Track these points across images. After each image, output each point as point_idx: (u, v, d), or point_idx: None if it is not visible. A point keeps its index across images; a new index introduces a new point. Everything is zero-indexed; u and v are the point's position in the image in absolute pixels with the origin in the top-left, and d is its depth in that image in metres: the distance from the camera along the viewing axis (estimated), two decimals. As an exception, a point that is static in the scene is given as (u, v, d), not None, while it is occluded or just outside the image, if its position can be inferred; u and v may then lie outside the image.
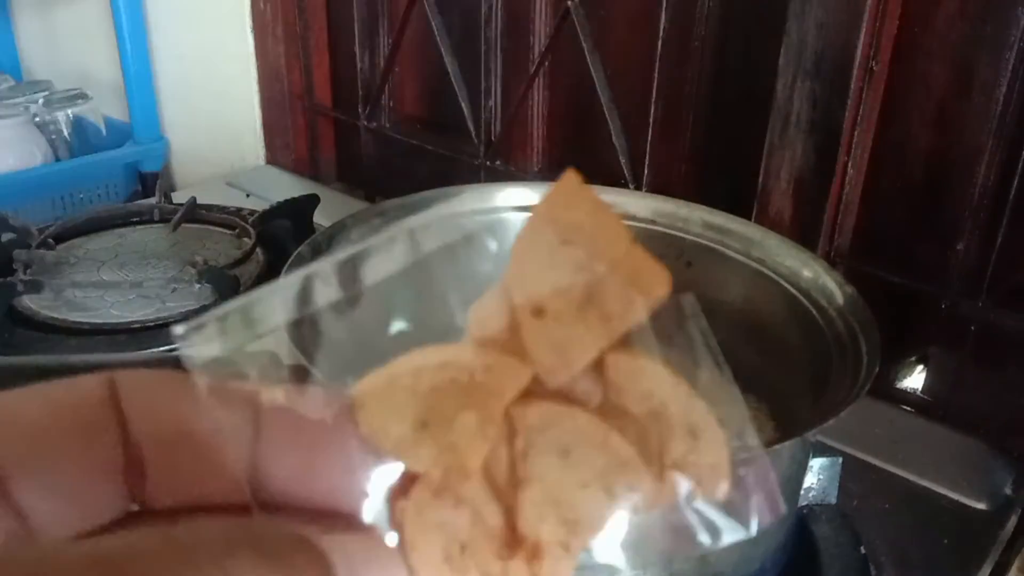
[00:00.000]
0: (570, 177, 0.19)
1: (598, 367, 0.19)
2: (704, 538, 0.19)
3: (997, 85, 0.60)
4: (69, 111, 1.21)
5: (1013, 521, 0.59)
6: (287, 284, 0.18)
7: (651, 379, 0.19)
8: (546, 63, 0.85)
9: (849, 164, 0.67)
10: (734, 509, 0.20)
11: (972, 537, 0.57)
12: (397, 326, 0.20)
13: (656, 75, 0.77)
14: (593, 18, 0.80)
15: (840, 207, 0.69)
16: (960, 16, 0.61)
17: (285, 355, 0.19)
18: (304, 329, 0.19)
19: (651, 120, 0.79)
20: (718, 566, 0.45)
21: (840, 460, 0.51)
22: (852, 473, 0.59)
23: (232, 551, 0.16)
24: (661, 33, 0.76)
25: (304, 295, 0.18)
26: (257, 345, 0.18)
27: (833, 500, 0.51)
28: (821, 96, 0.65)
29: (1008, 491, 0.60)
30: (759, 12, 0.70)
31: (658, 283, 0.18)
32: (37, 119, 1.19)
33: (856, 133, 0.66)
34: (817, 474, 0.51)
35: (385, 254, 0.19)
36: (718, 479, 0.19)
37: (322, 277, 0.18)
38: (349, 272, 0.18)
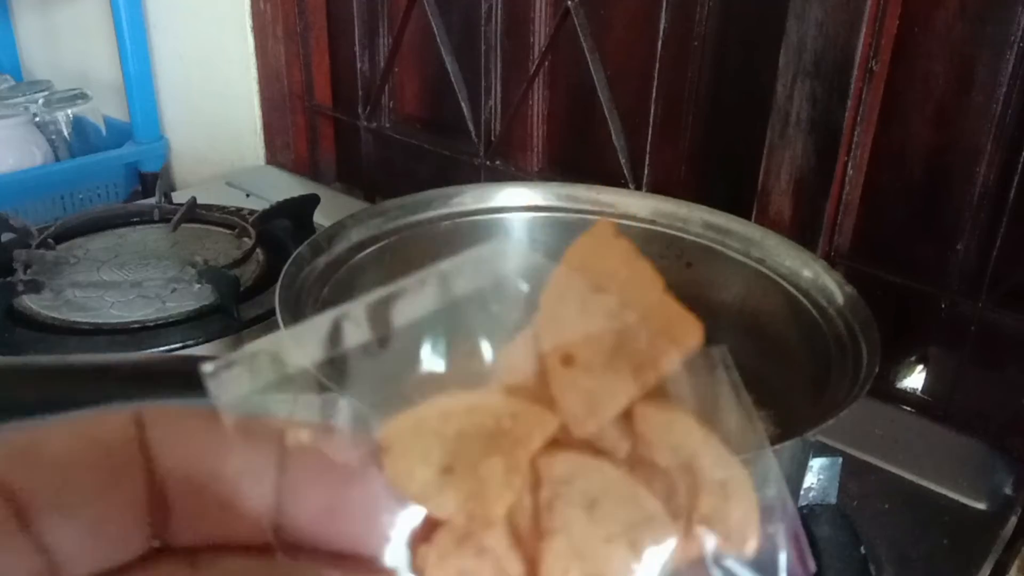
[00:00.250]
0: (603, 225, 0.19)
1: (627, 418, 0.18)
2: None
3: (997, 85, 0.60)
4: (69, 111, 1.21)
5: (1013, 521, 0.59)
6: (317, 324, 0.18)
7: (681, 432, 0.18)
8: (546, 63, 0.85)
9: (849, 164, 0.67)
10: (763, 567, 0.19)
11: (972, 537, 0.57)
12: (426, 369, 0.20)
13: (656, 75, 0.77)
14: (593, 18, 0.80)
15: (840, 207, 0.69)
16: (960, 16, 0.61)
17: (316, 384, 0.19)
18: (333, 370, 0.18)
19: (651, 120, 0.79)
20: (718, 566, 0.45)
21: (840, 460, 0.51)
22: (852, 473, 0.59)
23: None
24: (661, 33, 0.76)
25: (334, 336, 0.18)
26: (289, 376, 0.18)
27: (833, 500, 0.51)
28: (821, 96, 0.65)
29: (1008, 491, 0.60)
30: (759, 12, 0.70)
31: (690, 333, 0.18)
32: (37, 119, 1.19)
33: (856, 133, 0.66)
34: (817, 474, 0.51)
35: (416, 296, 0.19)
36: (747, 536, 0.19)
37: (352, 318, 0.18)
38: (379, 314, 0.18)
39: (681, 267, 0.62)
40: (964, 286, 0.65)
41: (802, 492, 0.50)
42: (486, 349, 0.19)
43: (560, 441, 0.18)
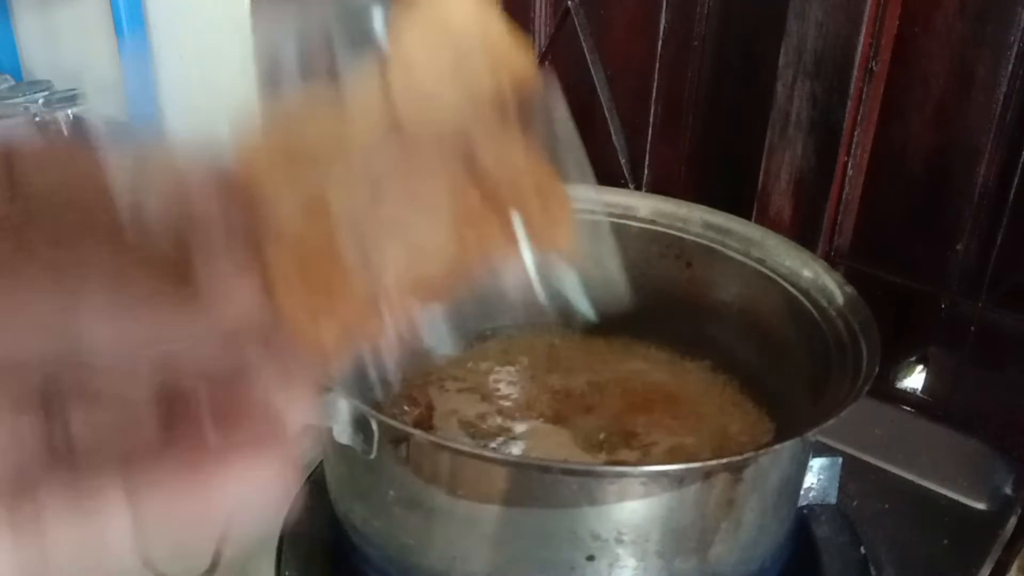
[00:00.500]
0: None
1: (464, 136, 0.21)
2: (540, 290, 0.22)
3: (997, 85, 0.60)
4: (69, 111, 1.21)
5: (1013, 521, 0.59)
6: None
7: (512, 150, 0.21)
8: (546, 63, 0.85)
9: (849, 164, 0.67)
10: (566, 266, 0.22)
11: (972, 537, 0.57)
12: (281, 89, 0.21)
13: (656, 75, 0.77)
14: (593, 18, 0.80)
15: (840, 207, 0.69)
16: (960, 16, 0.61)
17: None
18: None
19: (651, 120, 0.79)
20: (718, 566, 0.45)
21: (840, 460, 0.51)
22: (852, 473, 0.59)
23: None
24: (661, 33, 0.76)
25: None
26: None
27: (833, 500, 0.51)
28: (821, 96, 0.65)
29: (1008, 491, 0.60)
30: (759, 12, 0.70)
31: (524, 65, 0.21)
32: (37, 119, 1.19)
33: (856, 133, 0.66)
34: (817, 474, 0.51)
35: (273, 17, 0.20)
36: (560, 239, 0.21)
37: None
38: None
39: (681, 267, 0.62)
40: (964, 286, 0.65)
41: (802, 492, 0.50)
42: (338, 74, 0.20)
43: (398, 149, 0.20)
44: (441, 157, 0.20)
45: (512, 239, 0.21)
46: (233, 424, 0.19)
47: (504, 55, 0.21)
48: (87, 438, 0.19)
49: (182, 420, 0.19)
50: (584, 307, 0.22)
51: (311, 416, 0.20)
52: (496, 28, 0.21)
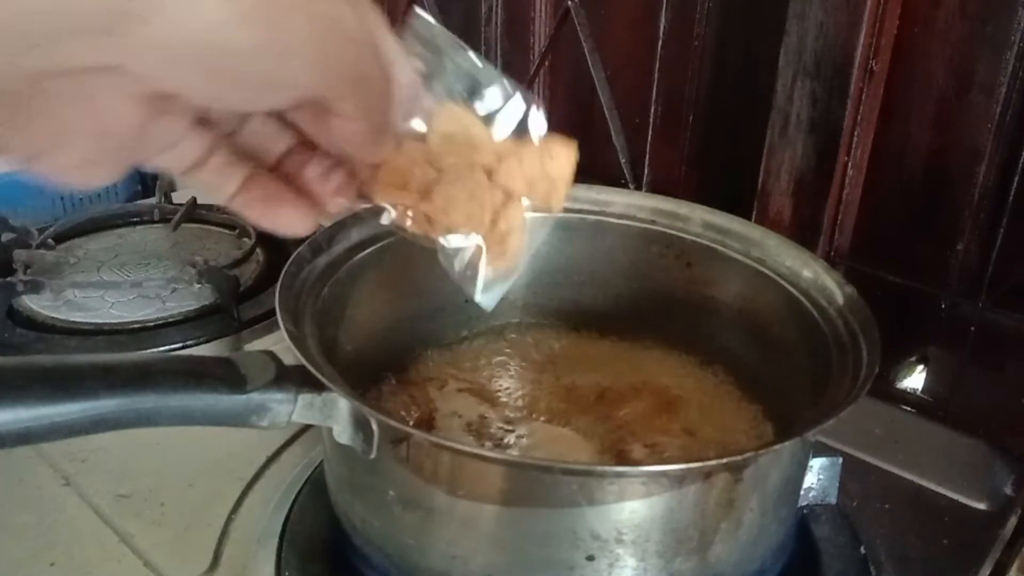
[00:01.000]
0: None
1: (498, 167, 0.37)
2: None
3: (997, 85, 0.60)
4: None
5: (1013, 521, 0.59)
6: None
7: (519, 172, 0.38)
8: (546, 63, 0.85)
9: (849, 164, 0.67)
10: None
11: (972, 537, 0.57)
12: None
13: (656, 75, 0.77)
14: (593, 18, 0.80)
15: (840, 207, 0.69)
16: (960, 16, 0.61)
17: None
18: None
19: (651, 120, 0.79)
20: (718, 566, 0.45)
21: (840, 460, 0.51)
22: (852, 473, 0.59)
23: None
24: (661, 33, 0.76)
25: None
26: None
27: (833, 500, 0.51)
28: (821, 96, 0.65)
29: (1008, 491, 0.60)
30: (759, 12, 0.70)
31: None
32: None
33: (856, 133, 0.66)
34: (817, 474, 0.51)
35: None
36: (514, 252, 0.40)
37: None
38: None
39: (681, 267, 0.62)
40: (964, 286, 0.65)
41: (802, 492, 0.50)
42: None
43: (469, 158, 0.36)
44: (485, 172, 0.36)
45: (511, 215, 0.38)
46: (310, 192, 0.34)
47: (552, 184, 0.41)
48: (243, 150, 0.33)
49: (291, 167, 0.34)
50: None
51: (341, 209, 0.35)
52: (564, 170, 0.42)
